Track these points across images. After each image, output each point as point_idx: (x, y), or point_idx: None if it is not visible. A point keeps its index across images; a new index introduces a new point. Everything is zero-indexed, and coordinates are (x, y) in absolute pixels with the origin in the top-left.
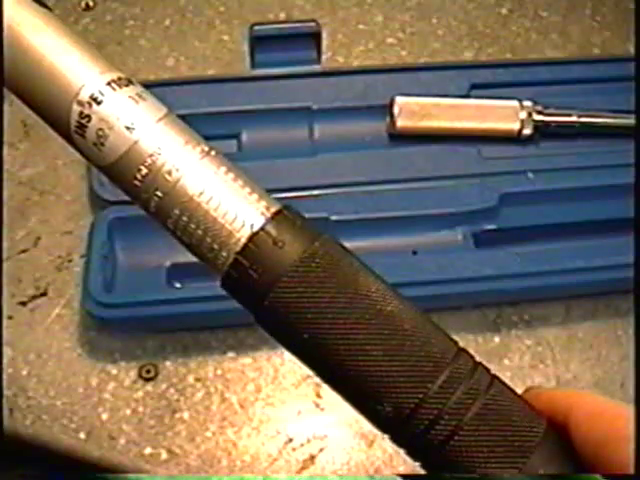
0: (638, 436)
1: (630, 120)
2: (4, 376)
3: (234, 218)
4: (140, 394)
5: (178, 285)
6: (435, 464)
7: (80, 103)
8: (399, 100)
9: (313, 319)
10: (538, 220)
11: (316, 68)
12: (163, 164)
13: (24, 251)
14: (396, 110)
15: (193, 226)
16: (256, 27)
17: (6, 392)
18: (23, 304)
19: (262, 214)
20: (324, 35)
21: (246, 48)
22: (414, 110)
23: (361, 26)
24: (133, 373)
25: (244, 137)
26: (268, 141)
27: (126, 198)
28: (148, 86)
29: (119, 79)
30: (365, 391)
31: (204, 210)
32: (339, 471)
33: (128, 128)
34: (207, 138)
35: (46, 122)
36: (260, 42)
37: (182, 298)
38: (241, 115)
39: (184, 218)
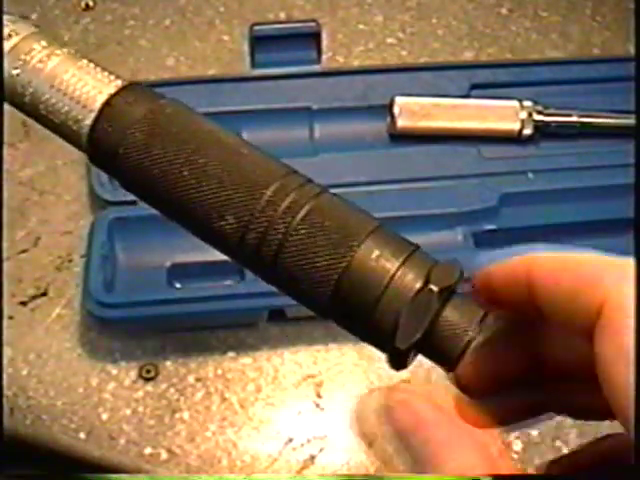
0: (638, 432)
1: (630, 120)
2: (4, 376)
3: (92, 90)
4: (140, 394)
5: (178, 285)
6: (276, 277)
7: None
8: (399, 100)
9: (160, 156)
10: (538, 220)
11: (316, 68)
12: (33, 60)
13: (24, 251)
14: (396, 110)
15: (60, 104)
16: (256, 27)
17: (6, 392)
18: (23, 304)
19: (116, 86)
20: (324, 35)
21: (246, 48)
22: (414, 110)
23: (361, 26)
24: (133, 373)
25: (244, 137)
26: (268, 141)
27: (126, 198)
28: (148, 86)
29: None
30: (208, 215)
31: (69, 87)
32: (339, 471)
33: (5, 38)
34: None
35: None
36: (260, 42)
37: (182, 298)
38: (241, 115)
39: (53, 100)
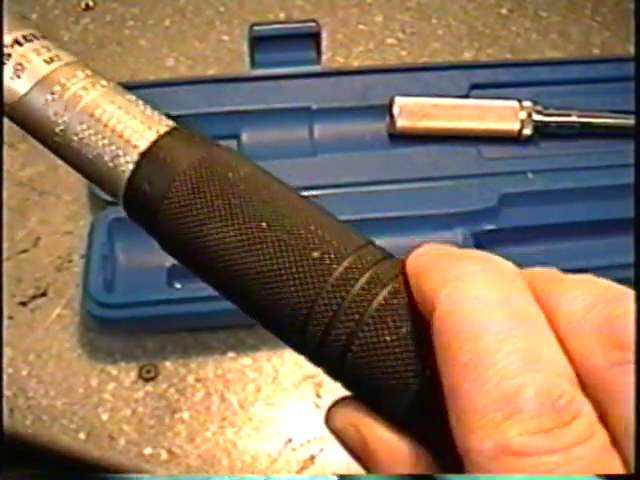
0: (638, 437)
1: (630, 120)
2: (4, 376)
3: (139, 125)
4: (140, 394)
5: (178, 285)
6: (343, 375)
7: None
8: (399, 100)
9: (201, 225)
10: (538, 220)
11: (316, 68)
12: (74, 87)
13: (24, 251)
14: (396, 110)
15: (99, 136)
16: (256, 27)
17: (6, 392)
18: (23, 304)
19: (166, 125)
20: (324, 35)
21: (246, 48)
22: (414, 110)
23: (361, 26)
24: (133, 373)
25: (244, 137)
26: (268, 141)
27: None
28: (148, 86)
29: (33, 34)
30: (261, 300)
31: (111, 119)
32: (339, 471)
33: (46, 61)
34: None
35: None
36: (260, 42)
37: (182, 298)
38: (241, 115)
39: (90, 131)
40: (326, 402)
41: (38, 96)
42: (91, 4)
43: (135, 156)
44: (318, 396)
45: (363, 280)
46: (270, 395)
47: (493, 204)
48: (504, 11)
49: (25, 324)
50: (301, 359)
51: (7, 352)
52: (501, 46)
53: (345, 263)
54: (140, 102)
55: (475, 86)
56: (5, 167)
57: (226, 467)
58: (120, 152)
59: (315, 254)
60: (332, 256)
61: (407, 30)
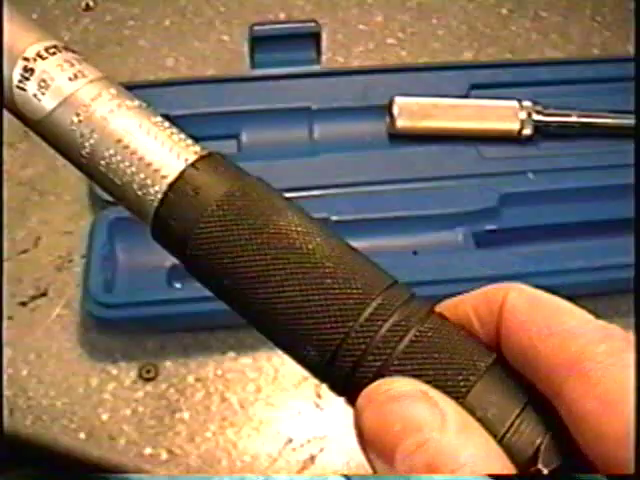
0: (638, 436)
1: (630, 120)
2: (4, 376)
3: (168, 153)
4: (140, 394)
5: (178, 285)
6: None
7: (26, 59)
8: (399, 100)
9: (230, 263)
10: (538, 220)
11: (316, 68)
12: (100, 108)
13: (24, 251)
14: (396, 110)
15: (127, 164)
16: (256, 27)
17: (6, 392)
18: (23, 304)
19: (195, 152)
20: (324, 35)
21: (246, 48)
22: (414, 110)
23: (361, 26)
24: (133, 373)
25: (244, 137)
26: (268, 141)
27: None
28: (148, 86)
29: (56, 46)
30: (288, 335)
31: (139, 146)
32: (339, 471)
33: (70, 79)
34: (207, 138)
35: None
36: (260, 42)
37: (182, 298)
38: (241, 115)
39: (118, 157)
40: (326, 402)
41: (63, 116)
42: (91, 4)
43: (164, 187)
44: (318, 396)
45: (391, 321)
46: (270, 395)
47: (493, 204)
48: (504, 11)
49: (25, 324)
50: None
51: (7, 352)
52: (501, 46)
53: (374, 303)
54: (167, 124)
55: (475, 86)
56: (5, 167)
57: (226, 467)
58: (148, 181)
59: (346, 293)
60: (362, 296)
61: (407, 30)
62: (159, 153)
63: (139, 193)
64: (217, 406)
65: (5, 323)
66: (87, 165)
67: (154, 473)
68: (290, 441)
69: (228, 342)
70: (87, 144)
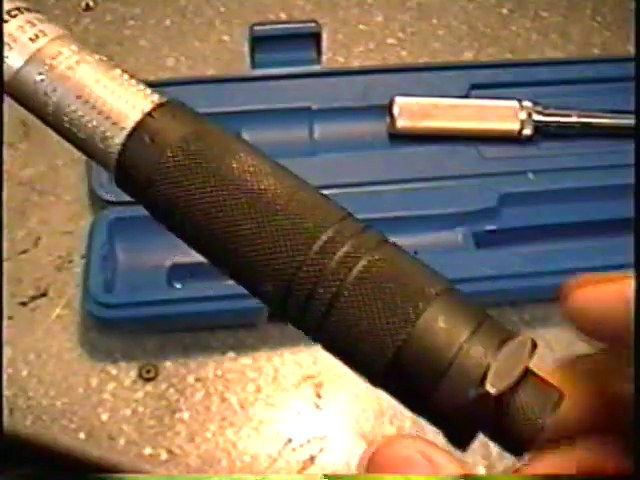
0: (637, 437)
1: (630, 120)
2: (4, 376)
3: (125, 105)
4: (140, 394)
5: (178, 285)
6: (326, 338)
7: None
8: (399, 100)
9: (186, 207)
10: (538, 220)
11: (316, 68)
12: (61, 65)
13: (24, 251)
14: (396, 110)
15: (87, 118)
16: (256, 27)
17: (6, 392)
18: (23, 304)
19: (152, 102)
20: (324, 35)
21: (246, 48)
22: (414, 110)
23: (361, 26)
24: (133, 373)
25: (244, 137)
26: (268, 141)
27: (126, 198)
28: (148, 86)
29: (18, 8)
30: (246, 272)
31: (98, 99)
32: (339, 471)
33: (31, 39)
34: None
35: None
36: (260, 42)
37: (182, 298)
38: (241, 115)
39: (79, 112)
40: (326, 402)
41: (28, 76)
42: (91, 4)
43: (122, 137)
44: (318, 396)
45: (342, 251)
46: (270, 395)
47: (493, 204)
48: (504, 11)
49: (25, 324)
50: (301, 359)
51: (7, 352)
52: (501, 46)
53: (325, 236)
54: (125, 77)
55: (475, 86)
56: (5, 167)
57: (226, 467)
58: (109, 134)
59: (296, 227)
60: (314, 229)
61: (407, 30)
62: (117, 105)
63: (101, 146)
64: (217, 406)
65: (5, 323)
66: (53, 121)
67: (154, 473)
68: (290, 441)
69: (228, 342)
70: (50, 102)
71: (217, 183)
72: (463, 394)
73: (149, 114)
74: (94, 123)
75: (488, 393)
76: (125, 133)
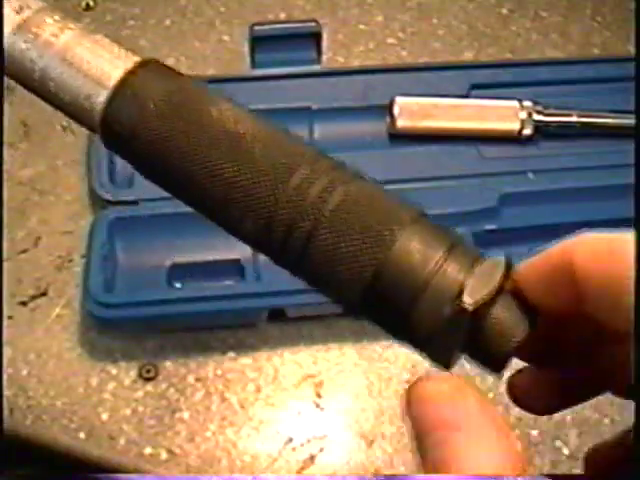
0: (637, 439)
1: (630, 120)
2: (4, 376)
3: (107, 65)
4: (140, 394)
5: (178, 285)
6: (307, 269)
7: None
8: (399, 100)
9: (170, 155)
10: (538, 220)
11: (316, 68)
12: (45, 33)
13: (24, 251)
14: (396, 110)
15: (71, 80)
16: (256, 27)
17: (6, 392)
18: (23, 304)
19: (133, 62)
20: (324, 35)
21: (246, 48)
22: (414, 110)
23: (361, 26)
24: (133, 373)
25: None
26: None
27: (126, 198)
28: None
29: None
30: (228, 212)
31: (82, 62)
32: (339, 471)
33: (16, 11)
34: None
35: None
36: (260, 42)
37: (182, 298)
38: None
39: (64, 75)
40: (326, 402)
41: (15, 46)
42: (91, 4)
43: (106, 95)
44: (318, 396)
45: (318, 185)
46: (270, 395)
47: (493, 204)
48: (504, 11)
49: (25, 324)
50: (301, 359)
51: (7, 352)
52: (501, 46)
53: (302, 171)
54: (107, 41)
55: (475, 86)
56: (5, 167)
57: (226, 467)
58: (92, 93)
59: (274, 165)
60: (291, 166)
61: (407, 30)
62: (100, 66)
63: (86, 106)
64: (217, 406)
65: (5, 323)
66: (40, 88)
67: (154, 473)
68: (290, 441)
69: (228, 342)
70: (37, 67)
71: (198, 129)
72: (440, 311)
73: (131, 72)
74: (79, 83)
75: (464, 309)
76: (108, 91)
